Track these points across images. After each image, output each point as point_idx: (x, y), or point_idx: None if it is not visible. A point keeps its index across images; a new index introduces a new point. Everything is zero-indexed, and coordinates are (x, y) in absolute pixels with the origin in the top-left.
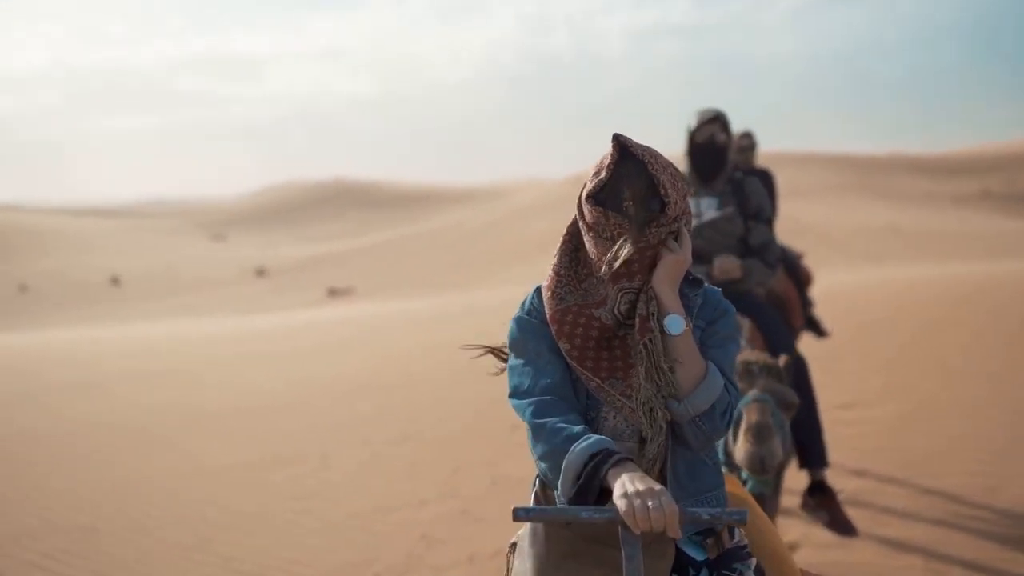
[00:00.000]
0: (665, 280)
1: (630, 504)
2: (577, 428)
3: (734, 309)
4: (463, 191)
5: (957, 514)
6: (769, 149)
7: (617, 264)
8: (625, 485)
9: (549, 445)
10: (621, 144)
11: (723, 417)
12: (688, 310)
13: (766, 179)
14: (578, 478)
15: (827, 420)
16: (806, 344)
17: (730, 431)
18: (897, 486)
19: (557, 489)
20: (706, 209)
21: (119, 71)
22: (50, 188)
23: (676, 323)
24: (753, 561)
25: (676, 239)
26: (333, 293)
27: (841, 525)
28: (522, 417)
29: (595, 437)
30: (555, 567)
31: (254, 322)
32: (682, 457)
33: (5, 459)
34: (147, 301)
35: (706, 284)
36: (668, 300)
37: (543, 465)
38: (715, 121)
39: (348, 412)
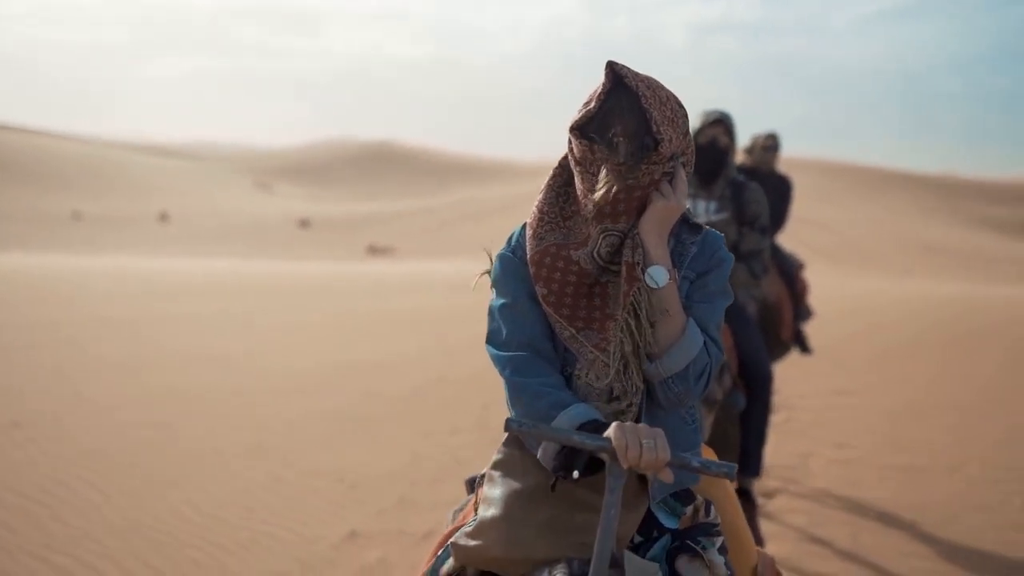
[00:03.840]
0: (653, 227)
1: (624, 437)
2: (561, 394)
3: (732, 258)
4: (508, 165)
5: (920, 482)
6: (815, 157)
7: (598, 198)
8: (623, 425)
9: (531, 409)
10: (615, 73)
11: (698, 380)
12: (680, 258)
13: (783, 185)
14: (561, 449)
15: (822, 404)
16: (813, 336)
17: None
18: (868, 460)
19: (535, 450)
20: (702, 212)
21: (181, 10)
22: (108, 123)
23: (660, 275)
24: (720, 540)
25: (670, 182)
26: (373, 251)
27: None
28: (499, 371)
29: (581, 406)
30: (528, 498)
31: (301, 268)
32: (658, 416)
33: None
34: (193, 241)
35: (708, 229)
36: (654, 249)
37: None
38: (718, 124)
39: (388, 353)
